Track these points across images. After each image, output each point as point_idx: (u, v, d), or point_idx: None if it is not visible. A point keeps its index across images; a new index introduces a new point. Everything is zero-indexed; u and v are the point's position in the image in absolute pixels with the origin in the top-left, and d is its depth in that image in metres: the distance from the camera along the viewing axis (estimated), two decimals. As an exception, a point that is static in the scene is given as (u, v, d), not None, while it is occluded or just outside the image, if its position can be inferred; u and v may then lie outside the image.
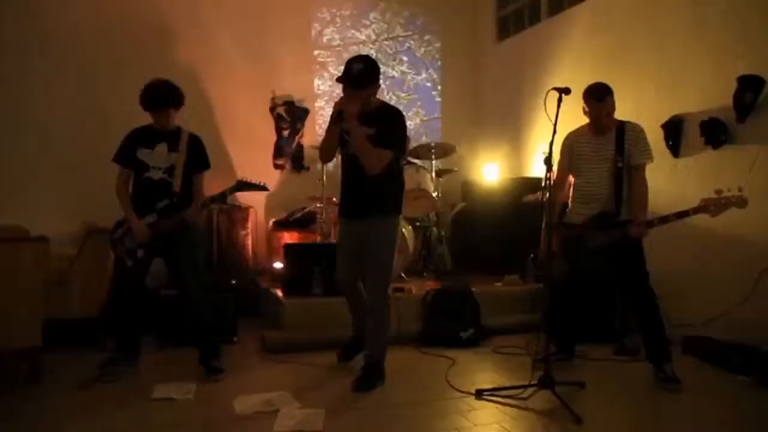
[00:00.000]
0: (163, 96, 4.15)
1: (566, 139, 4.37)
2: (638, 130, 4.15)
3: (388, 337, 4.16)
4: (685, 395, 3.82)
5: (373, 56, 7.51)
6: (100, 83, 6.16)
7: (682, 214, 3.82)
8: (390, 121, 3.93)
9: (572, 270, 4.22)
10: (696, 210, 3.78)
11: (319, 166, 6.32)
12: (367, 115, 3.86)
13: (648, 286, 4.05)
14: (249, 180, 4.20)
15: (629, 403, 3.75)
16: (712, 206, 3.72)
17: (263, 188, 4.25)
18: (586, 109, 4.15)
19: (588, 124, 4.27)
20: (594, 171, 4.19)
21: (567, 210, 4.39)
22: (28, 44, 6.00)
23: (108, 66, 6.21)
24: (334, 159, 4.31)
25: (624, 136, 4.11)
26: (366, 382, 3.91)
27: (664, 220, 3.89)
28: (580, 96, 4.13)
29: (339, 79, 3.84)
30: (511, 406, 3.58)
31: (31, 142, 5.96)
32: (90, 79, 6.18)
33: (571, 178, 4.40)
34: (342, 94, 3.92)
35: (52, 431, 3.24)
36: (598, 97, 4.09)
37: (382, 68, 7.46)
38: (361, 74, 3.78)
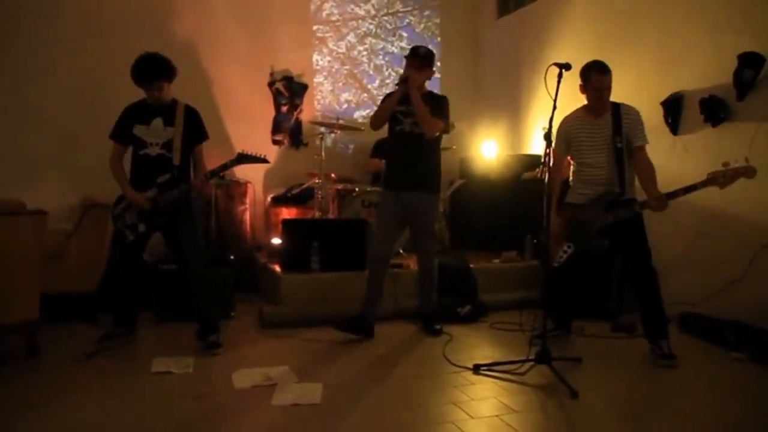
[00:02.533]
0: (153, 69, 4.09)
1: (562, 124, 4.31)
2: (635, 113, 4.12)
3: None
4: (680, 371, 3.85)
5: (373, 32, 7.56)
6: (98, 58, 6.09)
7: (691, 189, 3.79)
8: (439, 101, 4.59)
9: (577, 249, 4.20)
10: (705, 183, 3.75)
11: (317, 141, 6.30)
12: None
13: (650, 264, 4.05)
14: (250, 153, 4.20)
15: (625, 379, 3.78)
16: (721, 178, 3.70)
17: (264, 161, 4.26)
18: (587, 86, 4.10)
19: (583, 107, 4.24)
20: (594, 155, 4.15)
21: (569, 189, 4.36)
22: (28, 21, 5.94)
23: (106, 41, 6.14)
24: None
25: (621, 117, 4.08)
26: (438, 328, 4.68)
27: (673, 195, 3.85)
28: (580, 73, 4.10)
29: (407, 57, 4.55)
30: (508, 380, 3.61)
31: (29, 115, 5.92)
32: (88, 54, 6.12)
33: (570, 159, 4.39)
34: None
35: (49, 405, 3.25)
36: (601, 69, 4.05)
37: (382, 44, 7.52)
38: (426, 55, 4.51)
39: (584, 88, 4.14)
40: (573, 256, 4.18)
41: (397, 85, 4.51)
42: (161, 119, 4.17)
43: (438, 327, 4.68)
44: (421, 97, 4.42)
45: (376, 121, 4.62)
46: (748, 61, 4.50)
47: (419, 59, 4.47)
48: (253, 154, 4.20)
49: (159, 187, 4.11)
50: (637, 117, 4.11)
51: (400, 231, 4.81)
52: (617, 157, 4.08)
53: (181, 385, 3.52)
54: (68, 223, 5.12)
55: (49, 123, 5.98)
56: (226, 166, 4.18)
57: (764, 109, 4.49)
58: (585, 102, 4.22)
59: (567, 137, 4.28)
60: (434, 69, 4.62)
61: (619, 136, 4.07)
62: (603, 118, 4.14)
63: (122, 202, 4.21)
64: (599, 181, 4.15)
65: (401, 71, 7.85)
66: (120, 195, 4.23)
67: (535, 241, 5.82)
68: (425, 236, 4.68)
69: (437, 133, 4.50)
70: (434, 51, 4.71)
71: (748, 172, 3.66)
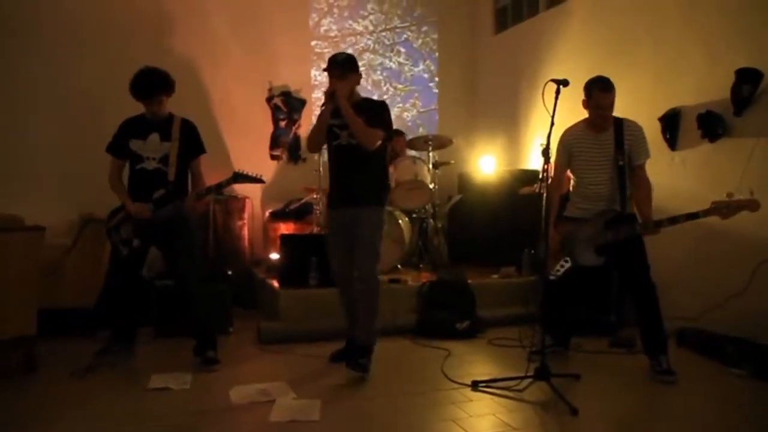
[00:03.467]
0: (153, 83, 4.11)
1: (563, 137, 4.29)
2: (638, 129, 4.10)
3: (378, 325, 4.20)
4: (680, 387, 3.83)
5: (371, 47, 7.59)
6: (97, 72, 6.13)
7: (692, 216, 3.76)
8: (376, 108, 4.16)
9: (575, 264, 4.19)
10: (707, 212, 3.71)
11: (315, 157, 6.31)
12: (353, 106, 4.02)
13: (650, 279, 4.03)
14: (246, 172, 4.17)
15: (624, 395, 3.76)
16: (724, 209, 3.67)
17: (260, 181, 4.22)
18: (589, 101, 4.08)
19: (584, 120, 4.22)
20: (596, 171, 4.13)
21: (568, 203, 4.35)
22: (25, 33, 5.97)
23: (105, 54, 6.18)
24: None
25: (623, 133, 4.06)
26: (363, 362, 3.96)
27: (674, 221, 3.83)
28: (578, 88, 4.08)
29: (326, 69, 4.13)
30: (506, 397, 3.59)
31: (27, 130, 5.94)
32: (87, 68, 6.15)
33: (569, 173, 4.38)
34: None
35: (46, 420, 3.23)
36: (604, 86, 4.03)
37: (380, 59, 7.56)
38: (345, 61, 4.11)
39: (587, 103, 4.12)
40: (570, 270, 4.17)
41: (325, 103, 4.06)
42: (158, 134, 4.18)
43: (363, 361, 3.99)
44: (354, 105, 4.03)
45: (311, 143, 4.27)
46: (745, 77, 4.52)
47: (340, 67, 4.06)
48: (250, 173, 4.15)
49: (154, 203, 4.10)
50: (640, 133, 4.10)
51: (351, 248, 4.20)
52: (619, 175, 4.07)
53: (178, 402, 3.49)
54: (66, 238, 5.11)
55: (47, 138, 6.00)
56: (221, 185, 4.15)
57: (762, 124, 4.51)
58: (585, 116, 4.22)
59: (569, 150, 4.25)
60: (360, 72, 4.21)
61: (621, 153, 4.05)
62: (605, 134, 4.11)
63: (116, 217, 4.20)
64: (600, 198, 4.14)
65: (399, 86, 8.03)
66: (114, 209, 4.23)
67: (532, 252, 5.81)
68: (363, 252, 4.07)
69: (378, 143, 4.03)
70: (354, 56, 4.28)
71: (752, 205, 3.62)
